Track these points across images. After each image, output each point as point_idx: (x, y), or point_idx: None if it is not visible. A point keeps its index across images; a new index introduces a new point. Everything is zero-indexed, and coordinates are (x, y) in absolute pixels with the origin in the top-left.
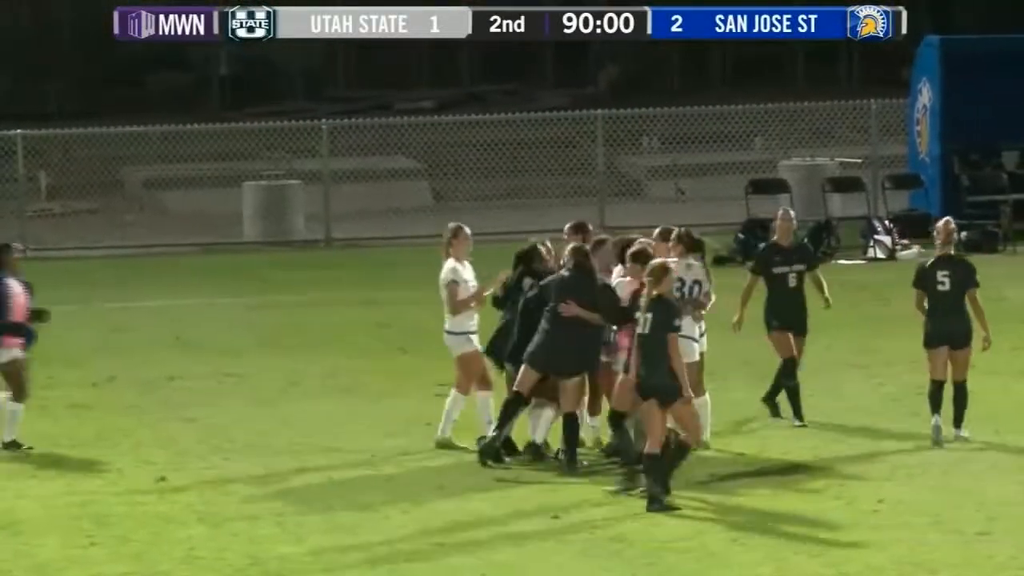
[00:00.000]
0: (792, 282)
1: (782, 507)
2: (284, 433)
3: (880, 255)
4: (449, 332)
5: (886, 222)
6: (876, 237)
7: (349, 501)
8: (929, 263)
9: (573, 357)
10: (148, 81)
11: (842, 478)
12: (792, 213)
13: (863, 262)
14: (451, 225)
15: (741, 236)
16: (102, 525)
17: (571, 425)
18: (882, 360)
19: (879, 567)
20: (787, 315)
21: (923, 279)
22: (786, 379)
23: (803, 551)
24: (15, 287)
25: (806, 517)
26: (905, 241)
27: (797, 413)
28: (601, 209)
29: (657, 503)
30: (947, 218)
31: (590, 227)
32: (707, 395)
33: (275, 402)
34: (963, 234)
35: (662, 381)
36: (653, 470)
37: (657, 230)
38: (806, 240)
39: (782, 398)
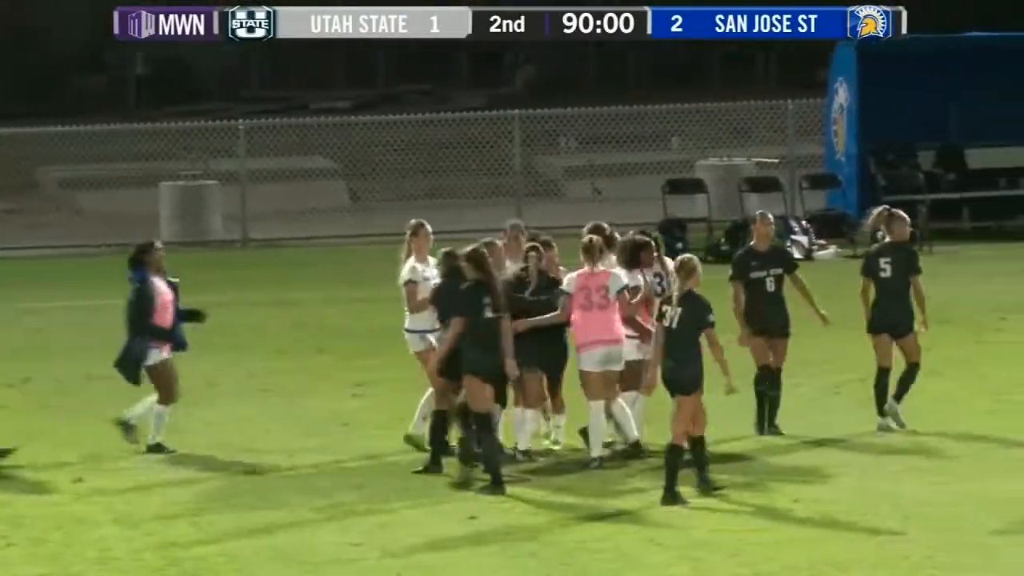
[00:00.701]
0: (770, 286)
1: (698, 507)
2: (201, 433)
3: (797, 255)
4: (407, 330)
5: (803, 222)
6: (793, 237)
7: (265, 501)
8: (874, 250)
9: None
10: (65, 82)
11: (759, 477)
12: (771, 217)
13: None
14: (411, 222)
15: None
16: (17, 526)
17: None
18: (798, 360)
19: (795, 566)
20: (764, 319)
21: (868, 267)
22: (759, 384)
23: (719, 551)
24: (161, 286)
25: (723, 517)
26: (822, 241)
27: (763, 422)
28: (518, 209)
29: (671, 494)
30: (901, 212)
31: (607, 227)
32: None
33: (192, 402)
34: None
35: (688, 374)
36: (672, 463)
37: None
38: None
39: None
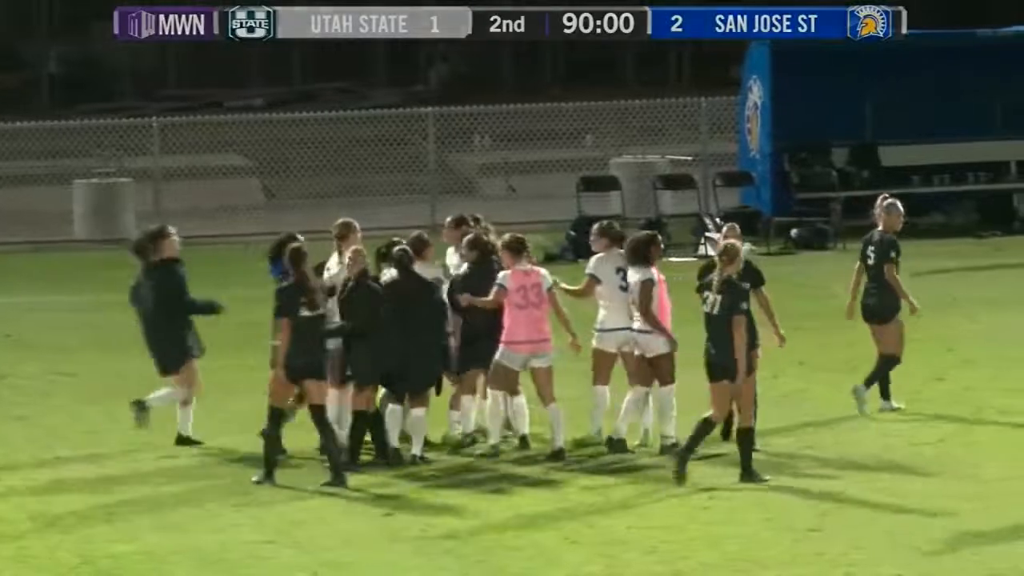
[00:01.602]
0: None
1: (614, 504)
2: (116, 432)
3: (711, 252)
4: None
5: (717, 219)
6: (707, 234)
7: (181, 499)
8: (865, 237)
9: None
10: None
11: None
12: (738, 228)
13: (694, 259)
14: (339, 221)
15: (572, 233)
16: None
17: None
18: None
19: (712, 564)
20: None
21: (861, 253)
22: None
23: (635, 548)
24: None
25: (639, 514)
26: None
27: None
28: (432, 206)
29: (749, 474)
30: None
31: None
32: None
33: (107, 401)
34: (794, 231)
35: (728, 360)
36: (745, 443)
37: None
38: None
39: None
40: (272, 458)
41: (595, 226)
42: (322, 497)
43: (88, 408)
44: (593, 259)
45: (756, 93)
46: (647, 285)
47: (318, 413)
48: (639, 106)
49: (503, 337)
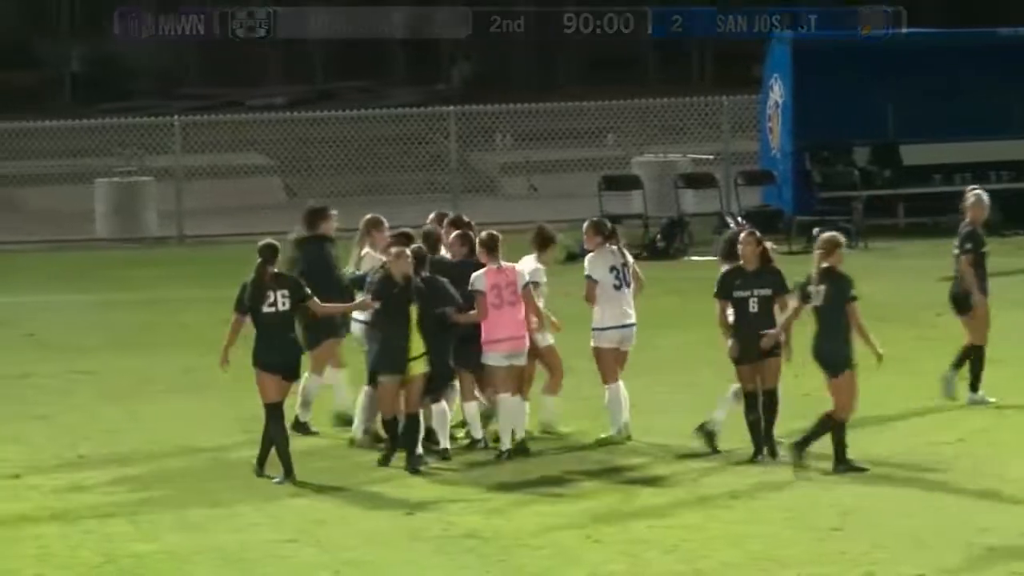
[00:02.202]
0: (753, 307)
1: (637, 503)
2: (137, 431)
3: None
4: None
5: (738, 218)
6: None
7: (202, 499)
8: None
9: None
10: None
11: (696, 474)
12: (757, 234)
13: (716, 258)
14: (368, 217)
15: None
16: None
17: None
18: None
19: (734, 563)
20: (747, 343)
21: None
22: (749, 413)
23: (657, 547)
24: None
25: (661, 514)
26: None
27: (759, 449)
28: (454, 205)
29: (843, 465)
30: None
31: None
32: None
33: (128, 400)
34: (815, 230)
35: (835, 349)
36: (838, 433)
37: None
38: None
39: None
40: (287, 457)
41: (587, 223)
42: (343, 496)
43: (109, 407)
44: (588, 259)
45: (777, 92)
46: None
47: (273, 410)
48: (661, 105)
49: (483, 338)
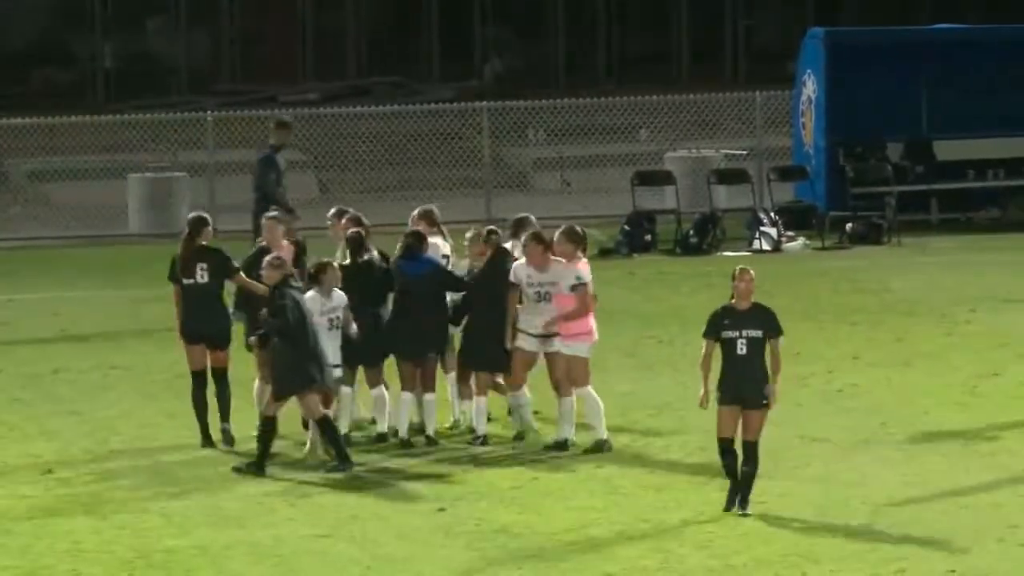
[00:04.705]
0: (741, 349)
1: (668, 500)
2: (170, 426)
3: (766, 247)
4: None
5: (771, 214)
6: (762, 229)
7: (235, 493)
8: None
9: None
10: (31, 75)
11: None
12: (752, 273)
13: (748, 254)
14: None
15: (627, 228)
16: None
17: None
18: None
19: (765, 559)
20: (733, 387)
21: None
22: (724, 458)
23: (689, 543)
24: None
25: (692, 510)
26: (790, 233)
27: (733, 498)
28: (487, 201)
29: None
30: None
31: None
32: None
33: (161, 395)
34: (849, 226)
35: None
36: None
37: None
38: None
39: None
40: (204, 421)
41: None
42: (376, 492)
43: (142, 402)
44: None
45: (810, 87)
46: None
47: (197, 378)
48: (694, 100)
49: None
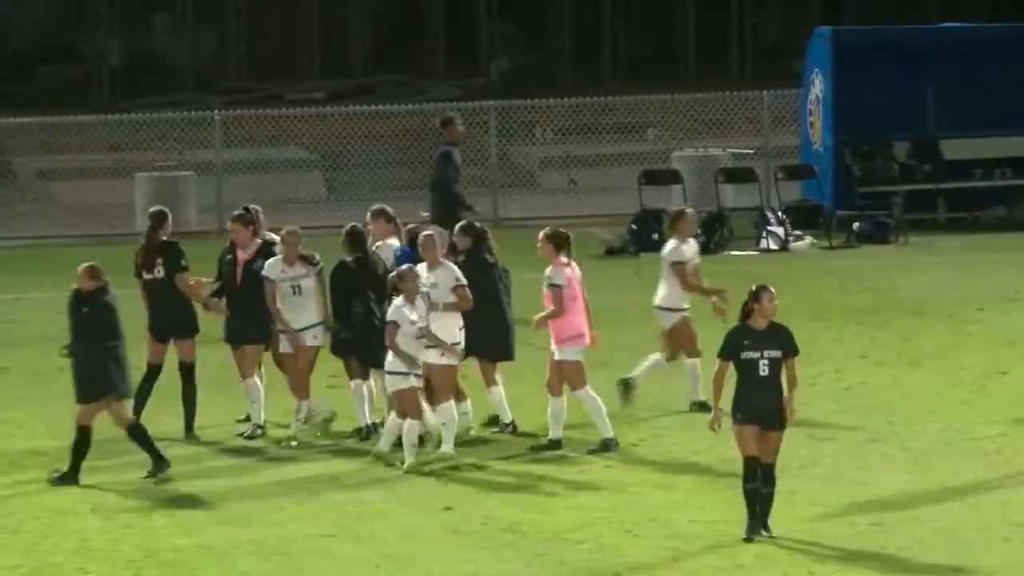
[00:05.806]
0: (764, 370)
1: (676, 499)
2: (178, 424)
3: (773, 246)
4: None
5: (779, 213)
6: (769, 228)
7: (242, 493)
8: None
9: None
10: (37, 73)
11: (734, 470)
12: (773, 291)
13: (756, 253)
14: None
15: (634, 227)
16: None
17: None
18: None
19: (772, 558)
20: (755, 407)
21: None
22: (748, 481)
23: (697, 541)
24: None
25: (700, 509)
26: (798, 232)
27: (755, 523)
28: (494, 200)
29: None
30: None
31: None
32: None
33: (168, 393)
34: (856, 225)
35: None
36: None
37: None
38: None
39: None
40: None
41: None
42: (383, 491)
43: (149, 400)
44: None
45: (818, 86)
46: None
47: (153, 370)
48: (701, 99)
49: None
